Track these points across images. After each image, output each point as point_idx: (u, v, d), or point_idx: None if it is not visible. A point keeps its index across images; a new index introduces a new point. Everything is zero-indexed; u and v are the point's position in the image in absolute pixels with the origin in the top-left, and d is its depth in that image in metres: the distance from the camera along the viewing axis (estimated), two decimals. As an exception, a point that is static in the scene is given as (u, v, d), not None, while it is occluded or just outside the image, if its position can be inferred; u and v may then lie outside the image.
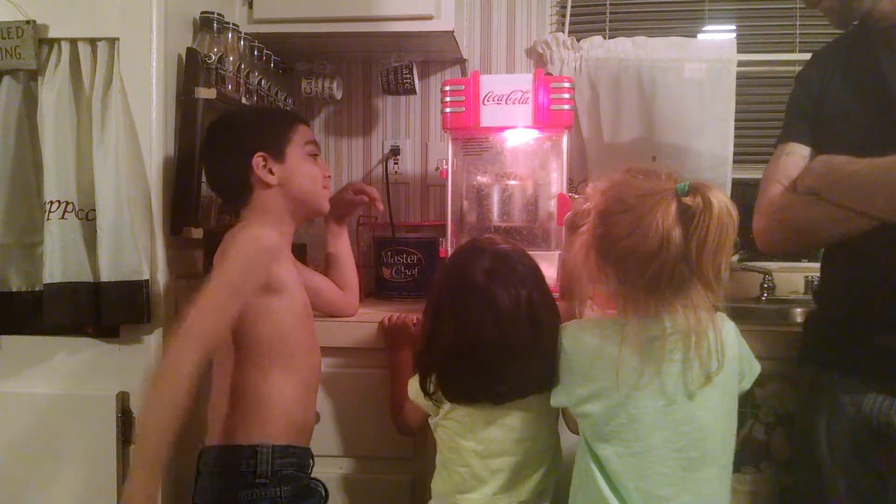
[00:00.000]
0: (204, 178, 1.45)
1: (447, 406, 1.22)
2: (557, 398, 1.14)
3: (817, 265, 1.38)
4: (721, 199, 0.99)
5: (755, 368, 1.15)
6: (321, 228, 1.64)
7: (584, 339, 1.10)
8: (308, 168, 1.36)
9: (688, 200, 0.99)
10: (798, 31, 2.06)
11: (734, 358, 1.09)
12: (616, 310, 1.09)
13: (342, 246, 1.58)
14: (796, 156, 1.24)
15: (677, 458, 1.04)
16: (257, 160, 1.30)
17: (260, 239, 1.22)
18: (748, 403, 1.38)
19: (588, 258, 1.09)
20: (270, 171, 1.31)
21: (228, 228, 1.65)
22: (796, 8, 2.05)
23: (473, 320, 1.15)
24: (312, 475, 1.29)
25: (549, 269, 1.34)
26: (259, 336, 1.22)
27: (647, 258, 1.00)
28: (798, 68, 1.34)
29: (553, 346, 1.16)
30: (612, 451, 1.06)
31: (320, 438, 1.40)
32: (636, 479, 1.05)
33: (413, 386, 1.27)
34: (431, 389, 1.21)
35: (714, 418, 1.06)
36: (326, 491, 1.31)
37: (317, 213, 1.42)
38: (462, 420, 1.21)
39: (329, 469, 1.52)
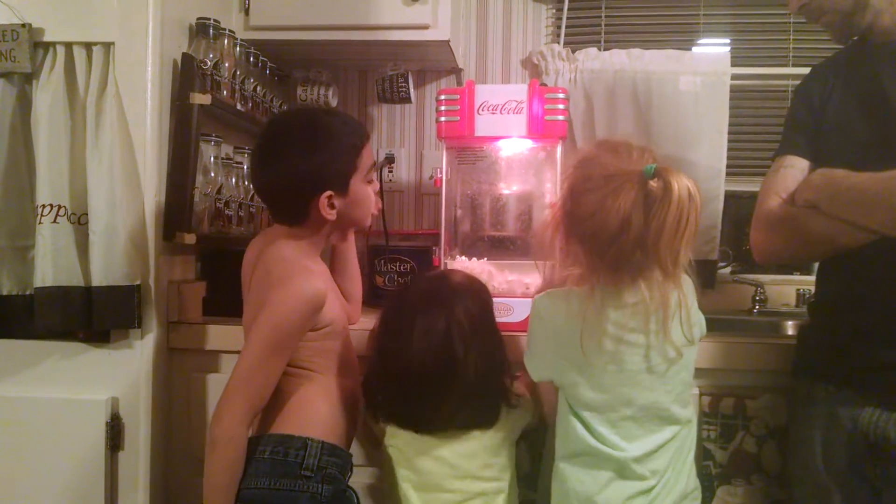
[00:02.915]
0: (249, 177, 1.36)
1: (389, 431, 1.22)
2: (537, 370, 1.16)
3: (809, 278, 1.39)
4: (683, 184, 0.99)
5: (702, 318, 1.17)
6: None
7: (558, 307, 1.11)
8: (366, 198, 1.29)
9: (652, 184, 0.99)
10: (792, 46, 2.07)
11: (697, 317, 1.13)
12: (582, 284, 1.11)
13: (350, 256, 1.48)
14: (795, 169, 1.25)
15: (653, 418, 1.10)
16: (323, 200, 1.20)
17: (311, 296, 1.18)
18: (740, 416, 1.38)
19: (556, 232, 1.13)
20: (332, 207, 1.22)
21: (222, 234, 1.67)
22: (790, 22, 2.07)
23: (397, 342, 1.16)
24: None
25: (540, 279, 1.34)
26: (301, 357, 1.22)
27: (608, 240, 1.02)
28: (792, 82, 1.35)
29: (496, 387, 1.17)
30: (597, 418, 1.09)
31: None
32: (621, 438, 1.09)
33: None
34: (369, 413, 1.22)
35: (689, 376, 1.14)
36: (358, 501, 1.29)
37: (358, 229, 1.39)
38: (400, 447, 1.21)
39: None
